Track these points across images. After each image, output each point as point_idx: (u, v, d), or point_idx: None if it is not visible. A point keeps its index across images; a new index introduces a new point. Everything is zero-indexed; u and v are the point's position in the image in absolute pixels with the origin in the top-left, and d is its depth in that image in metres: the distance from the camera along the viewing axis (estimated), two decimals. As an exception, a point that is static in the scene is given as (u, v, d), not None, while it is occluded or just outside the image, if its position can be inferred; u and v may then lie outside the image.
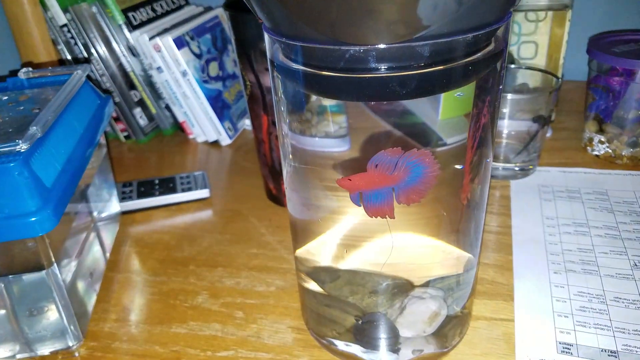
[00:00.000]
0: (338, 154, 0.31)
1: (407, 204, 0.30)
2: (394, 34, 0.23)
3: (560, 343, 0.36)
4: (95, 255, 0.45)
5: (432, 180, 0.29)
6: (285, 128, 0.31)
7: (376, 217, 0.30)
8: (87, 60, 0.68)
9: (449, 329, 0.36)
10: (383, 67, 0.24)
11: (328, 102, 0.30)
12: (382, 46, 0.23)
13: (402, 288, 0.34)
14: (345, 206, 0.31)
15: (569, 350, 0.36)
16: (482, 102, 0.29)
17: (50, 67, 0.46)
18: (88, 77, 0.69)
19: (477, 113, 0.29)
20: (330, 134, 0.30)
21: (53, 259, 0.34)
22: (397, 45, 0.23)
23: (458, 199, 0.31)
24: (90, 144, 0.42)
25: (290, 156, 0.32)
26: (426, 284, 0.34)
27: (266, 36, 0.28)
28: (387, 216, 0.30)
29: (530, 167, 0.56)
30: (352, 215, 0.32)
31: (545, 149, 0.60)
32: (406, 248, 0.33)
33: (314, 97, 0.29)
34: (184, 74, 0.66)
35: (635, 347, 0.35)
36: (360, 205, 0.30)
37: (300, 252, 0.36)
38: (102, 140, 0.49)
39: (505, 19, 0.26)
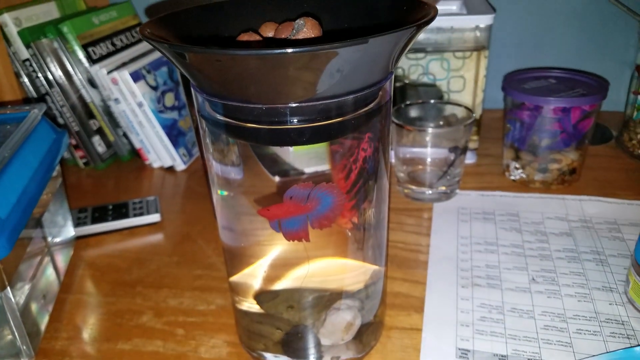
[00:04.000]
0: (241, 181, 0.36)
1: (320, 229, 0.35)
2: (296, 98, 0.28)
3: (459, 349, 0.42)
4: (49, 278, 0.49)
5: (340, 207, 0.34)
6: (210, 158, 0.36)
7: (294, 240, 0.35)
8: (43, 99, 0.72)
9: (366, 336, 0.41)
10: (287, 120, 0.30)
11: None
12: (287, 105, 0.29)
13: (333, 300, 0.39)
14: (266, 229, 0.36)
15: (466, 356, 0.41)
16: (357, 139, 0.34)
17: (9, 106, 0.50)
18: (47, 110, 0.73)
19: (351, 148, 0.34)
20: (234, 162, 0.35)
21: (6, 283, 0.38)
22: (297, 105, 0.29)
23: (351, 223, 0.37)
24: (44, 176, 0.46)
25: (216, 184, 0.37)
26: (344, 296, 0.40)
27: (193, 91, 0.33)
28: (303, 239, 0.35)
29: (451, 191, 0.62)
30: (274, 240, 0.37)
31: (470, 174, 0.67)
32: (321, 267, 0.38)
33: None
34: (140, 105, 0.71)
35: (523, 351, 0.41)
36: (279, 231, 0.35)
37: (234, 278, 0.41)
38: (58, 170, 0.53)
39: (385, 79, 0.32)
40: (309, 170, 0.35)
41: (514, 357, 0.41)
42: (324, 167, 0.35)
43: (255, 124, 0.31)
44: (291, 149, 0.34)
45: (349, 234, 0.37)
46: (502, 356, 0.41)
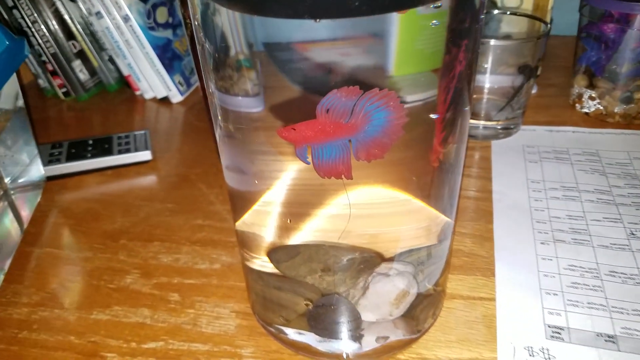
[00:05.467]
0: (259, 115, 0.24)
1: (368, 161, 0.23)
2: None
3: (549, 327, 0.31)
4: (6, 227, 0.38)
5: (398, 129, 0.23)
6: (212, 86, 0.25)
7: (329, 177, 0.24)
8: (10, 13, 0.59)
9: (420, 311, 0.30)
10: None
11: (243, 57, 0.23)
12: None
13: (370, 263, 0.28)
14: (289, 170, 0.25)
15: (559, 335, 0.30)
16: (457, 47, 0.23)
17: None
18: (15, 25, 0.60)
19: (451, 60, 0.23)
20: (248, 92, 0.23)
21: None
22: None
23: (428, 162, 0.25)
24: (-11, 93, 0.34)
25: (220, 118, 0.25)
26: (393, 258, 0.28)
27: None
28: (343, 176, 0.24)
29: (514, 126, 0.50)
30: (299, 179, 0.26)
31: (530, 107, 0.54)
32: (369, 214, 0.27)
33: (233, 49, 0.23)
34: (126, 19, 0.58)
35: (635, 330, 0.30)
36: (308, 163, 0.24)
37: (241, 226, 0.30)
38: (16, 91, 0.41)
39: None
40: (412, 99, 0.23)
41: (625, 338, 0.30)
42: (429, 94, 0.23)
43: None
44: (392, 69, 0.22)
45: (414, 178, 0.26)
46: (608, 336, 0.30)
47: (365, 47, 0.22)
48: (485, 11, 0.24)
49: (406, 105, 0.22)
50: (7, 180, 0.40)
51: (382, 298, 0.28)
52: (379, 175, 0.25)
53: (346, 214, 0.26)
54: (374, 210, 0.27)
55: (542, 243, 0.37)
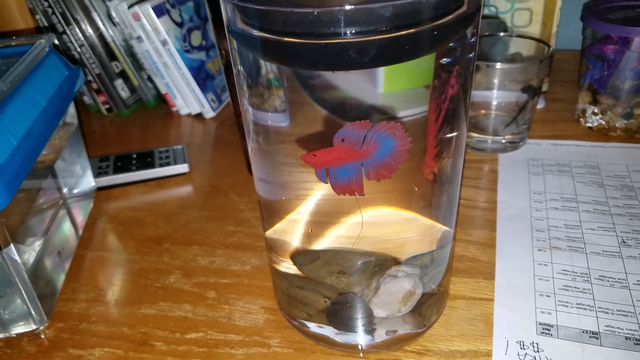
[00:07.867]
0: (286, 129, 0.29)
1: (377, 180, 0.28)
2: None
3: (540, 324, 0.35)
4: (65, 233, 0.44)
5: (404, 154, 0.27)
6: (246, 103, 0.29)
7: (344, 194, 0.29)
8: (60, 38, 0.66)
9: (426, 308, 0.34)
10: (344, 32, 0.22)
11: (273, 76, 0.28)
12: (344, 7, 0.21)
13: (384, 266, 0.33)
14: (311, 182, 0.30)
15: (548, 332, 0.34)
16: (447, 72, 0.27)
17: (14, 37, 0.44)
18: (63, 48, 0.67)
19: (442, 84, 0.27)
20: (277, 108, 0.28)
21: (9, 239, 0.33)
22: (358, 7, 0.21)
23: (422, 175, 0.30)
24: (54, 117, 0.40)
25: (252, 133, 0.30)
26: (403, 261, 0.33)
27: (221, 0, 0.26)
28: (356, 193, 0.28)
29: (519, 140, 0.53)
30: (320, 192, 0.30)
31: (537, 121, 0.58)
32: (378, 224, 0.31)
33: (264, 70, 0.28)
34: (164, 43, 0.64)
35: (617, 327, 0.34)
36: (327, 182, 0.28)
37: (270, 233, 0.35)
38: (72, 112, 0.47)
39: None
40: (402, 114, 0.28)
41: (608, 335, 0.34)
42: (419, 109, 0.28)
43: (301, 38, 0.23)
44: (380, 88, 0.27)
45: (416, 188, 0.30)
46: (592, 333, 0.34)
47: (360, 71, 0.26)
48: (479, 39, 0.28)
49: (400, 120, 0.27)
50: (65, 190, 0.46)
51: (391, 297, 0.32)
52: (384, 191, 0.29)
53: (358, 224, 0.31)
54: (382, 220, 0.31)
55: (539, 250, 0.41)
